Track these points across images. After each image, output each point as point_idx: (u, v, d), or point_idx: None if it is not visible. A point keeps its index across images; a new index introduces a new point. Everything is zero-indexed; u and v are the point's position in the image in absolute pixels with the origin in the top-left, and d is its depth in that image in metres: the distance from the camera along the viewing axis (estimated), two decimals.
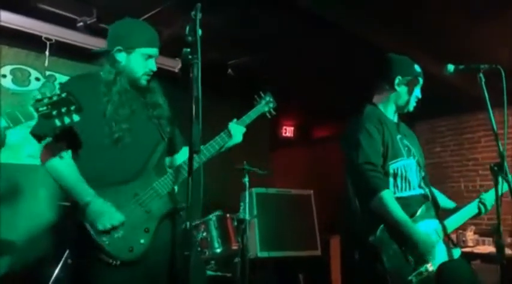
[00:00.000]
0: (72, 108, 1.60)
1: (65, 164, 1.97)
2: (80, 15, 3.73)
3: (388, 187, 2.23)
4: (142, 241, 1.93)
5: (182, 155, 2.28)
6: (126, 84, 2.07)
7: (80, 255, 1.99)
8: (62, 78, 3.92)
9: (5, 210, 3.48)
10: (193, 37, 1.67)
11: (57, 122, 1.59)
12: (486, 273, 3.74)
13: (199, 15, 1.67)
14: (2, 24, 3.45)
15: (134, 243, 1.91)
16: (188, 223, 1.61)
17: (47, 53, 3.78)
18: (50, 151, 1.97)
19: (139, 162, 2.05)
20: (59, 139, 1.91)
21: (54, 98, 1.57)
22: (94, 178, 1.95)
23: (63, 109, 1.58)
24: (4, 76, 3.72)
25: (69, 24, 3.76)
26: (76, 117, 1.62)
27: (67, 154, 1.99)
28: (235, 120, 2.35)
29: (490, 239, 5.19)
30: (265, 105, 2.52)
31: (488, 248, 4.97)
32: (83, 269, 1.97)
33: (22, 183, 3.61)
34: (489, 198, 2.39)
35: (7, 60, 3.74)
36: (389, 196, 2.20)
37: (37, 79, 3.89)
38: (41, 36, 3.68)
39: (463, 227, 5.35)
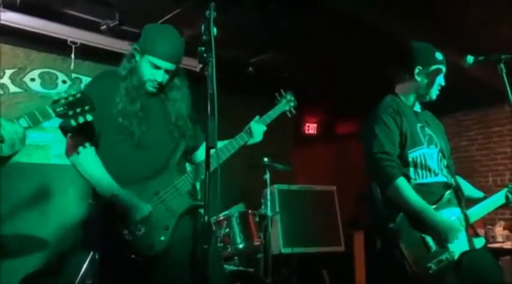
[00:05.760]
0: (86, 108, 1.67)
1: (90, 157, 1.99)
2: (103, 18, 3.83)
3: (401, 175, 2.21)
4: (162, 238, 1.96)
5: (202, 151, 2.27)
6: (136, 81, 2.08)
7: (105, 251, 2.05)
8: (88, 80, 4.02)
9: (37, 209, 3.63)
10: (208, 36, 1.70)
11: (73, 122, 1.67)
12: None
13: (213, 14, 1.70)
14: (31, 29, 3.58)
15: (154, 240, 1.94)
16: (206, 217, 1.63)
17: (72, 56, 3.90)
18: (74, 144, 1.99)
19: (160, 160, 2.08)
20: (80, 133, 1.95)
21: (70, 98, 1.65)
22: (115, 175, 1.98)
23: (78, 109, 1.66)
24: (33, 80, 3.87)
25: (93, 27, 3.86)
26: (89, 117, 1.68)
27: (91, 148, 2.01)
28: (257, 117, 2.37)
29: None
30: (286, 103, 2.55)
31: None
32: (108, 265, 2.03)
33: (52, 182, 3.75)
34: None
35: (35, 64, 3.89)
36: (404, 184, 2.19)
37: (64, 82, 4.03)
38: (66, 40, 3.79)
39: (492, 222, 5.22)
